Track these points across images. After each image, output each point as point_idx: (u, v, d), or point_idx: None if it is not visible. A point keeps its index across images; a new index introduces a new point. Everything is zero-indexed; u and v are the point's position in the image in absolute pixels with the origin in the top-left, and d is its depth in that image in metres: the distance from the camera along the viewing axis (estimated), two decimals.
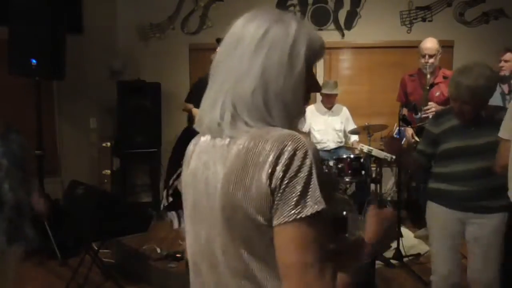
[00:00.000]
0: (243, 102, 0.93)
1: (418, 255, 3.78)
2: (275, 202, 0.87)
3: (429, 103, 3.76)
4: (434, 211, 2.47)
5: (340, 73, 5.49)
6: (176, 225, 2.00)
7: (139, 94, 5.10)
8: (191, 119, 4.38)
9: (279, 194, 0.87)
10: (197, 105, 4.00)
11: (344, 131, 4.89)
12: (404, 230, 4.10)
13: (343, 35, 5.44)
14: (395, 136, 4.50)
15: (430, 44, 3.86)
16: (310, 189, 0.87)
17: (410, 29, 5.39)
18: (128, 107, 5.09)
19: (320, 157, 0.94)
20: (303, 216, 0.86)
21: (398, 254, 3.62)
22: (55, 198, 4.18)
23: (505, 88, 3.90)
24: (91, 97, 5.07)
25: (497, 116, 2.26)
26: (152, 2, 5.50)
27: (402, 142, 4.31)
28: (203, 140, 1.03)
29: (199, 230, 1.01)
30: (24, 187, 2.50)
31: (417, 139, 3.90)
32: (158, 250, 3.86)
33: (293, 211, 0.86)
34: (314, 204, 0.87)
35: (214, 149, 0.98)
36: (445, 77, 3.86)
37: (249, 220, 0.89)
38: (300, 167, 0.87)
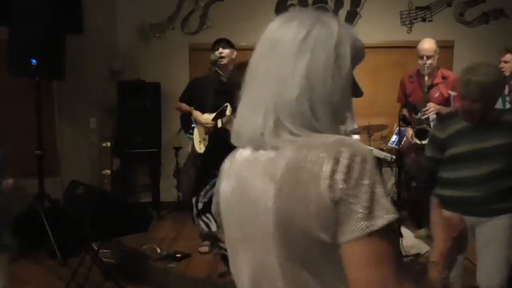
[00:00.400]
0: (286, 108, 0.86)
1: (418, 255, 3.77)
2: (340, 216, 0.79)
3: (428, 103, 3.76)
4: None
5: None
6: (214, 227, 1.98)
7: (139, 94, 5.10)
8: (185, 119, 4.27)
9: (343, 207, 0.79)
10: (197, 107, 4.00)
11: (345, 131, 4.88)
12: (404, 230, 4.10)
13: None
14: (395, 135, 4.50)
15: (427, 45, 3.86)
16: (376, 197, 0.79)
17: (410, 29, 5.38)
18: (128, 107, 5.09)
19: (375, 162, 0.85)
20: (374, 229, 0.78)
21: None
22: (55, 198, 4.18)
23: (505, 89, 3.90)
24: (91, 97, 5.07)
25: (503, 118, 2.27)
26: (152, 2, 5.49)
27: (402, 142, 4.31)
28: (241, 154, 0.96)
29: (251, 254, 0.92)
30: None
31: (417, 140, 3.90)
32: (158, 250, 3.86)
33: (362, 225, 0.79)
34: (384, 214, 0.79)
35: (257, 163, 0.90)
36: (444, 77, 3.86)
37: (309, 238, 0.82)
38: (361, 174, 0.79)
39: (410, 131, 4.14)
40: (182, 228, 4.63)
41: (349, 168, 0.79)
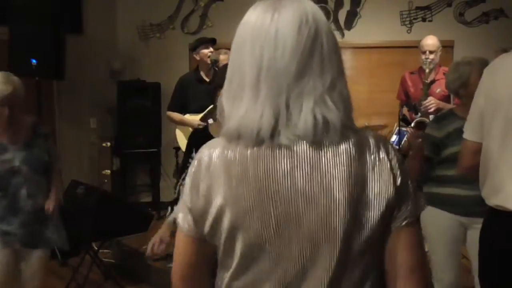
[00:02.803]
0: (318, 98, 0.85)
1: None
2: (398, 203, 0.86)
3: (429, 97, 3.76)
4: (435, 217, 2.38)
5: None
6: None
7: (139, 94, 5.10)
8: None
9: (399, 194, 0.86)
10: (180, 110, 3.92)
11: None
12: None
13: (343, 35, 5.44)
14: (395, 136, 4.49)
15: (431, 40, 3.88)
16: (413, 183, 0.88)
17: (410, 29, 5.38)
18: (128, 107, 5.09)
19: None
20: (420, 212, 0.88)
21: None
22: None
23: None
24: (91, 97, 5.07)
25: None
26: (152, 2, 5.49)
27: (402, 142, 4.31)
28: (245, 151, 0.88)
29: (290, 251, 0.87)
30: (45, 192, 2.49)
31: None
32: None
33: (415, 209, 0.88)
34: (422, 199, 0.90)
35: (299, 157, 0.86)
36: (445, 74, 3.85)
37: (373, 229, 0.86)
38: (403, 162, 0.88)
39: (410, 131, 4.13)
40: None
41: (396, 157, 0.88)
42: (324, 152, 0.86)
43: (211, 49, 3.85)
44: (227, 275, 0.94)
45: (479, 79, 2.19)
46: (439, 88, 3.86)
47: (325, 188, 0.85)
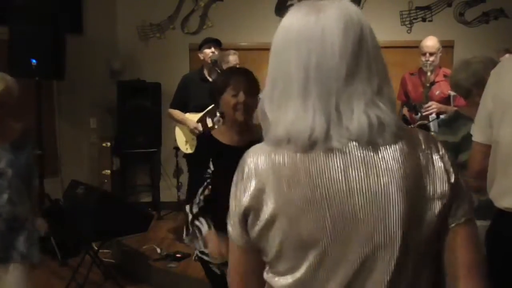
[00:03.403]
0: (369, 100, 0.84)
1: None
2: (454, 200, 0.86)
3: (430, 102, 3.75)
4: None
5: None
6: (205, 230, 1.90)
7: (139, 94, 5.10)
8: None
9: (454, 191, 0.86)
10: (182, 108, 3.95)
11: None
12: None
13: None
14: None
15: (431, 42, 3.86)
16: (464, 180, 0.89)
17: (410, 29, 5.38)
18: (128, 107, 5.09)
19: None
20: (473, 209, 0.89)
21: None
22: (55, 198, 4.18)
23: None
24: (91, 97, 5.07)
25: None
26: (152, 2, 5.49)
27: None
28: (300, 153, 0.86)
29: (347, 253, 0.85)
30: (25, 203, 2.33)
31: None
32: (158, 250, 3.86)
33: (471, 206, 0.88)
34: (473, 196, 0.93)
35: (353, 157, 0.85)
36: (445, 76, 3.85)
37: (430, 227, 0.85)
38: (453, 161, 0.88)
39: None
40: (182, 228, 4.62)
41: (446, 155, 0.88)
42: (378, 152, 0.85)
43: (213, 49, 3.86)
44: (281, 279, 0.92)
45: None
46: (438, 90, 3.86)
47: (382, 187, 0.83)
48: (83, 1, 4.95)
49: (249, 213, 0.89)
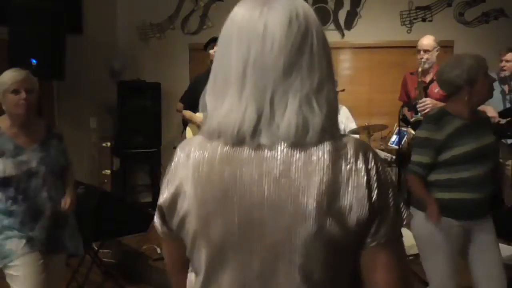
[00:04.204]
0: (304, 97, 0.81)
1: (418, 255, 3.77)
2: (374, 218, 0.80)
3: (425, 98, 3.76)
4: (431, 224, 2.22)
5: (340, 73, 5.48)
6: None
7: (139, 94, 5.10)
8: (185, 120, 4.32)
9: (375, 209, 0.80)
10: (190, 107, 4.01)
11: (344, 132, 4.89)
12: (404, 230, 4.09)
13: (343, 35, 5.44)
14: (395, 136, 4.49)
15: (425, 40, 3.90)
16: (395, 197, 0.83)
17: (410, 29, 5.38)
18: (128, 107, 5.09)
19: None
20: (400, 229, 0.84)
21: None
22: None
23: (505, 88, 3.89)
24: (91, 97, 5.07)
25: (481, 115, 2.29)
26: (152, 2, 5.50)
27: (402, 142, 4.31)
28: (216, 150, 0.85)
29: (251, 263, 0.83)
30: (62, 196, 2.38)
31: (413, 132, 3.89)
32: (158, 250, 3.86)
33: (394, 226, 0.82)
34: (404, 215, 0.85)
35: (262, 160, 0.82)
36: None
37: (341, 244, 0.80)
38: (387, 176, 0.82)
39: (410, 131, 4.13)
40: None
41: (377, 168, 0.81)
42: (296, 159, 0.80)
43: (215, 48, 3.87)
44: (191, 276, 0.94)
45: (485, 78, 2.17)
46: (437, 87, 3.86)
47: (292, 197, 0.79)
48: (83, 1, 4.95)
49: (166, 207, 0.90)
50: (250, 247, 0.83)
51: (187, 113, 4.06)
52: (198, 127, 3.98)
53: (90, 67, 4.98)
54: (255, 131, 0.81)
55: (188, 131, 4.16)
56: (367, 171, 0.80)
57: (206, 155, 0.85)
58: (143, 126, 5.10)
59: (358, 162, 0.80)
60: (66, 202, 2.38)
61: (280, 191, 0.80)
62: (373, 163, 0.81)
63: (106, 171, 5.18)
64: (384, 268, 0.82)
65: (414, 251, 3.81)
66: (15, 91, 2.20)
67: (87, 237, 3.51)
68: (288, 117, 0.80)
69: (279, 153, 0.81)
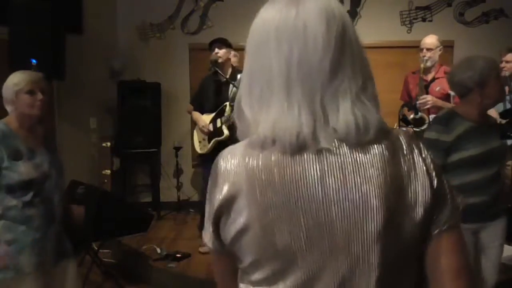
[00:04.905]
0: (355, 97, 0.81)
1: None
2: (436, 206, 0.82)
3: (426, 95, 3.77)
4: None
5: None
6: None
7: (139, 94, 5.11)
8: None
9: (436, 197, 0.81)
10: (198, 108, 4.02)
11: None
12: None
13: None
14: None
15: (429, 39, 3.92)
16: (448, 183, 0.84)
17: (410, 29, 5.38)
18: (128, 107, 5.10)
19: None
20: (460, 213, 0.85)
21: None
22: None
23: (506, 88, 3.89)
24: (91, 97, 5.07)
25: (489, 118, 2.29)
26: (152, 2, 5.50)
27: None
28: (281, 155, 0.80)
29: (325, 265, 0.81)
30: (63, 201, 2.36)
31: (414, 128, 3.89)
32: (158, 250, 3.86)
33: (455, 210, 0.84)
34: (460, 200, 0.87)
35: (324, 162, 0.80)
36: (446, 73, 3.86)
37: (411, 235, 0.80)
38: (437, 163, 0.84)
39: (410, 131, 4.13)
40: (182, 228, 4.63)
41: (429, 157, 0.83)
42: (361, 156, 0.79)
43: (216, 50, 3.85)
44: None
45: (497, 81, 2.15)
46: (439, 86, 3.87)
47: (360, 196, 0.78)
48: (83, 1, 4.95)
49: (221, 220, 0.85)
50: (322, 250, 0.80)
51: (195, 115, 4.08)
52: (200, 130, 3.98)
53: (90, 67, 4.98)
54: (315, 135, 0.79)
55: (195, 132, 4.16)
56: (424, 160, 0.82)
57: (261, 162, 0.81)
58: (143, 126, 5.10)
59: (414, 153, 0.82)
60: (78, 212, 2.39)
61: (346, 190, 0.79)
62: (426, 152, 0.83)
63: (106, 171, 5.18)
64: (449, 254, 0.83)
65: None
66: (31, 92, 2.15)
67: (87, 237, 3.51)
68: (344, 118, 0.78)
69: (340, 153, 0.80)
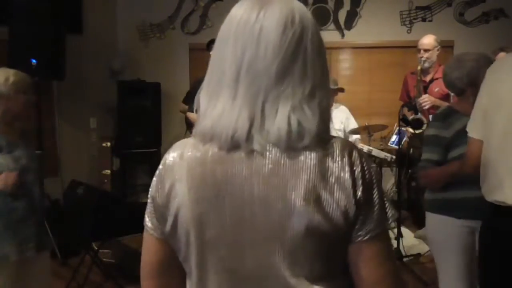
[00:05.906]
0: (296, 104, 0.82)
1: (418, 255, 3.77)
2: (359, 216, 0.82)
3: (424, 95, 3.77)
4: (442, 225, 2.22)
5: (340, 73, 5.48)
6: None
7: (139, 94, 5.10)
8: (188, 121, 4.33)
9: (360, 207, 0.82)
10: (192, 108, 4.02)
11: (344, 131, 4.89)
12: (404, 230, 4.10)
13: (343, 35, 5.44)
14: (395, 136, 4.49)
15: (426, 40, 3.93)
16: (380, 194, 0.85)
17: (410, 29, 5.38)
18: (128, 107, 5.09)
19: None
20: (385, 225, 0.85)
21: (398, 254, 3.62)
22: (55, 198, 4.18)
23: None
24: (91, 97, 5.07)
25: None
26: (152, 2, 5.50)
27: (402, 142, 4.31)
28: (208, 152, 0.86)
29: (242, 257, 0.85)
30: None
31: (411, 130, 3.89)
32: None
33: (379, 222, 0.84)
34: (390, 211, 0.87)
35: (253, 161, 0.83)
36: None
37: (329, 240, 0.82)
38: (372, 174, 0.84)
39: (410, 131, 4.13)
40: None
41: (362, 167, 0.83)
42: (285, 159, 0.82)
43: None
44: (192, 285, 0.91)
45: None
46: (437, 87, 3.87)
47: (282, 198, 0.81)
48: (83, 1, 4.95)
49: (163, 208, 0.90)
50: (243, 245, 0.84)
51: (191, 115, 4.07)
52: None
53: (90, 67, 4.98)
54: (248, 137, 0.82)
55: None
56: (352, 169, 0.82)
57: (199, 156, 0.86)
58: (143, 126, 5.10)
59: (344, 160, 0.82)
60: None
61: (269, 189, 0.82)
62: (358, 161, 0.83)
63: (106, 171, 5.18)
64: (370, 263, 0.84)
65: (415, 251, 3.82)
66: (25, 92, 2.25)
67: (87, 237, 3.51)
68: (278, 123, 0.80)
69: (269, 157, 0.83)
